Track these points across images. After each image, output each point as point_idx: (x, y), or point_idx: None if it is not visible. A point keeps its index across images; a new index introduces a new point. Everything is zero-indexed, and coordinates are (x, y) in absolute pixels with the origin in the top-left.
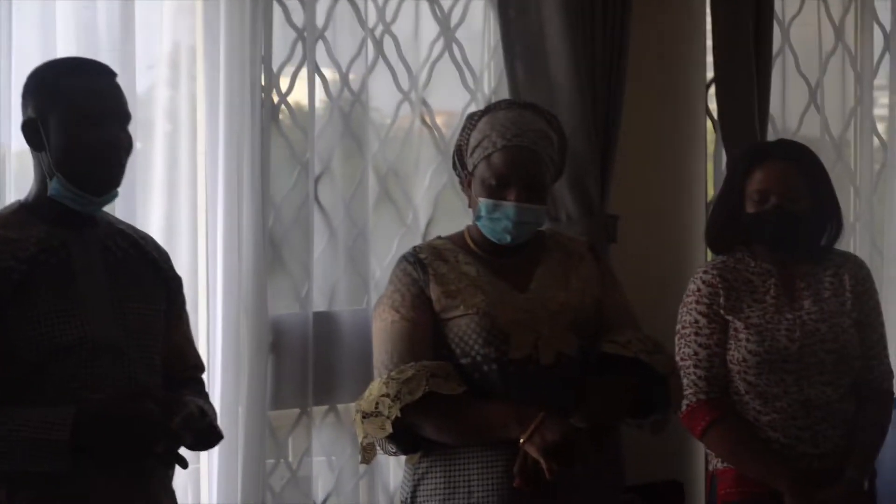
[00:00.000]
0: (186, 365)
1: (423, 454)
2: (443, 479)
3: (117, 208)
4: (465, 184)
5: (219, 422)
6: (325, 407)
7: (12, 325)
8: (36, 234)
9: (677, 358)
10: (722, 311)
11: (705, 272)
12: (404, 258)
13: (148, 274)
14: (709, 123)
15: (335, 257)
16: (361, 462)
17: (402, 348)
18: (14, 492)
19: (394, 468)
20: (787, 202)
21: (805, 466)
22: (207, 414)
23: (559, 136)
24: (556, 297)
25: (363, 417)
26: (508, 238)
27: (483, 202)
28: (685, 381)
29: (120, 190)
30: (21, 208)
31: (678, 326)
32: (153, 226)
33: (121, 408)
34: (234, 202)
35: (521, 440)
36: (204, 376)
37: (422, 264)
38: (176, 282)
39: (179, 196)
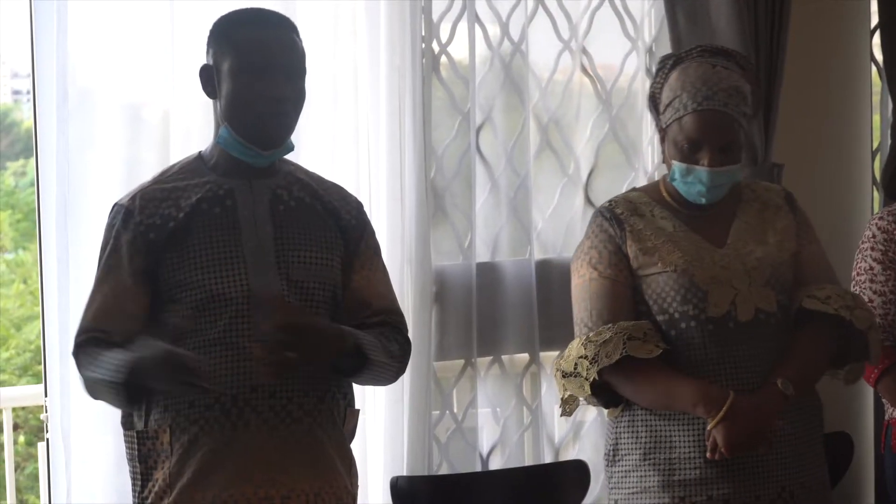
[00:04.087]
0: (373, 310)
1: (625, 408)
2: (645, 433)
3: None
4: (660, 138)
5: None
6: (489, 358)
7: (172, 270)
8: (203, 183)
9: None
10: None
11: (881, 218)
12: (600, 213)
13: (323, 222)
14: (874, 70)
15: (497, 208)
16: (562, 415)
17: (600, 306)
18: (175, 435)
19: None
20: None
21: None
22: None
23: (753, 83)
24: (754, 253)
25: (563, 376)
26: (703, 200)
27: (676, 166)
28: None
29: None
30: (198, 157)
31: (853, 273)
32: None
33: (168, 353)
34: (397, 153)
35: (709, 426)
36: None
37: (618, 220)
38: (357, 230)
39: (342, 148)
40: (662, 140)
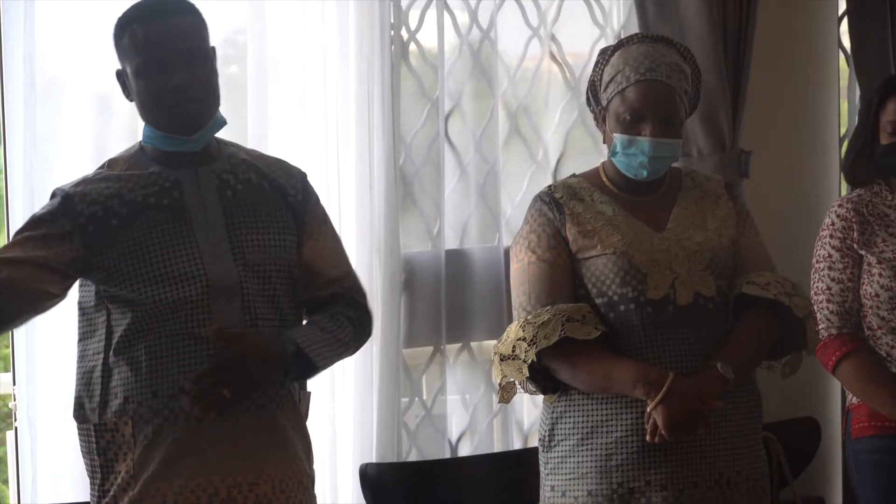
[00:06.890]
0: (323, 280)
1: (562, 393)
2: (582, 418)
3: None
4: (600, 119)
5: (353, 359)
6: (458, 345)
7: (125, 264)
8: (147, 175)
9: (811, 292)
10: (855, 245)
11: (840, 206)
12: (539, 198)
13: (272, 201)
14: (842, 57)
15: (466, 195)
16: (500, 402)
17: (539, 290)
18: (138, 427)
19: (528, 406)
20: None
21: None
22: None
23: (693, 70)
24: (694, 238)
25: (501, 360)
26: (645, 173)
27: (618, 137)
28: (818, 315)
29: (253, 130)
30: (140, 150)
31: (813, 261)
32: None
33: None
34: (366, 140)
35: (649, 408)
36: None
37: (557, 204)
38: (303, 204)
39: (311, 135)
40: (603, 120)
